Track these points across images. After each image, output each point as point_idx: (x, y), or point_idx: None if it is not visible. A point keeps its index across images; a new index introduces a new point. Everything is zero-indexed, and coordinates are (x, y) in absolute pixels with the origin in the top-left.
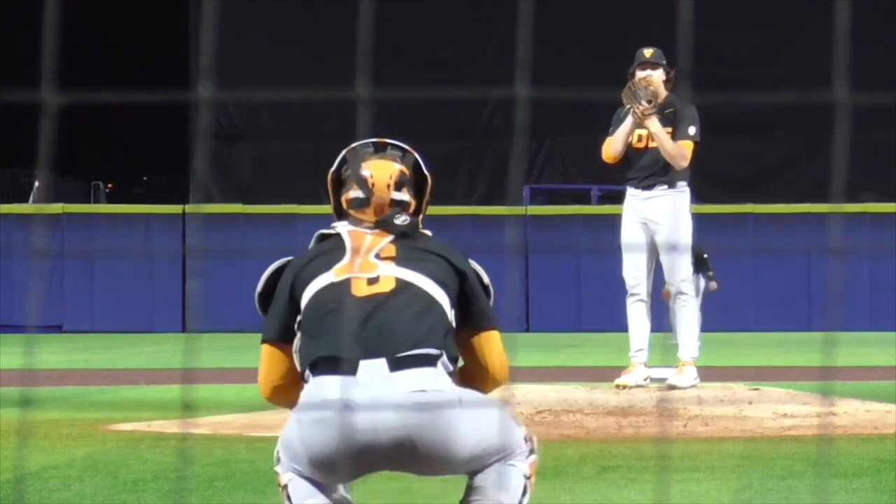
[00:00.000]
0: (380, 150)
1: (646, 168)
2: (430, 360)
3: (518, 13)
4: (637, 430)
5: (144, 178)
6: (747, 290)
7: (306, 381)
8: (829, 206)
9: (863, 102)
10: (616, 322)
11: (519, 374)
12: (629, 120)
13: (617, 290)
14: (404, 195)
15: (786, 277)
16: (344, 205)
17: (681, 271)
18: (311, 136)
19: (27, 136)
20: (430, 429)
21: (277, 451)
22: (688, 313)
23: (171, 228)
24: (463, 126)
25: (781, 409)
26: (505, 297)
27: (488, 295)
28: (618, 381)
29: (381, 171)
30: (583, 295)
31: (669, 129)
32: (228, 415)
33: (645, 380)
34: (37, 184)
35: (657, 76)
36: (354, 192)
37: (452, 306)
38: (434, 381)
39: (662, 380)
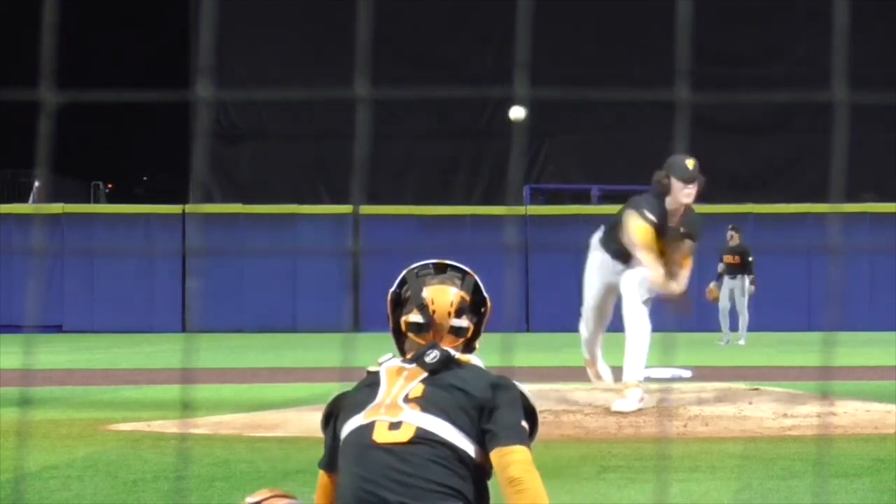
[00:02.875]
0: (440, 272)
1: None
2: None
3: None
4: (637, 430)
5: (144, 178)
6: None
7: None
8: (828, 206)
9: (862, 102)
10: (616, 322)
11: (519, 374)
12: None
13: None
14: (463, 322)
15: (786, 277)
16: (403, 327)
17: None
18: (311, 136)
19: (27, 136)
20: None
21: None
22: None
23: (171, 228)
24: (463, 126)
25: (781, 409)
26: (505, 297)
27: (532, 419)
28: (615, 407)
29: (442, 297)
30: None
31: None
32: (228, 415)
33: (640, 400)
34: (37, 184)
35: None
36: (414, 317)
37: (477, 441)
38: None
39: (667, 379)
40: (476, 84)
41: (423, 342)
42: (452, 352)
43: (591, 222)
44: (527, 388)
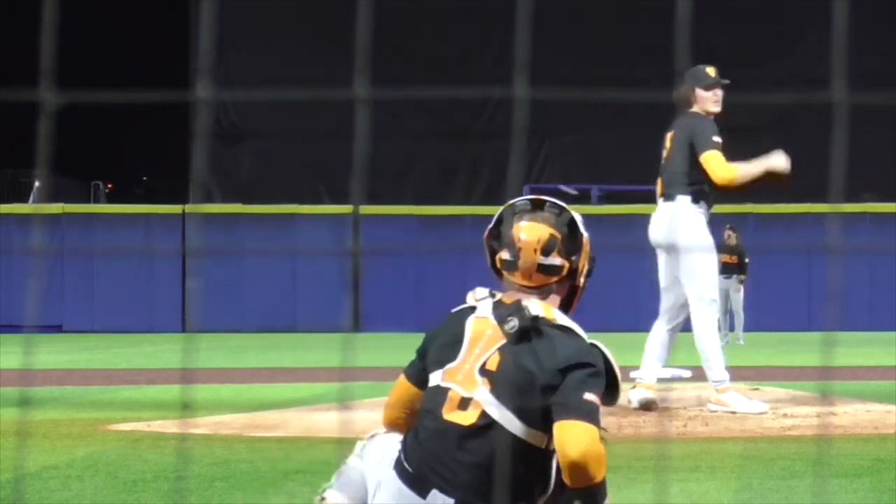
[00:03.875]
0: (536, 208)
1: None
2: None
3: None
4: (637, 430)
5: (144, 178)
6: (748, 290)
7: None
8: (828, 206)
9: (862, 102)
10: (616, 322)
11: None
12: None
13: (617, 290)
14: (554, 259)
15: (786, 277)
16: (498, 264)
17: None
18: (311, 136)
19: (27, 136)
20: None
21: (361, 452)
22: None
23: (171, 228)
24: (463, 126)
25: (781, 409)
26: None
27: (615, 384)
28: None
29: (531, 234)
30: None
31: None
32: (228, 415)
33: (641, 400)
34: (37, 184)
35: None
36: (505, 254)
37: (543, 428)
38: None
39: (668, 379)
40: (476, 84)
41: (514, 279)
42: (535, 312)
43: (591, 222)
44: (607, 350)
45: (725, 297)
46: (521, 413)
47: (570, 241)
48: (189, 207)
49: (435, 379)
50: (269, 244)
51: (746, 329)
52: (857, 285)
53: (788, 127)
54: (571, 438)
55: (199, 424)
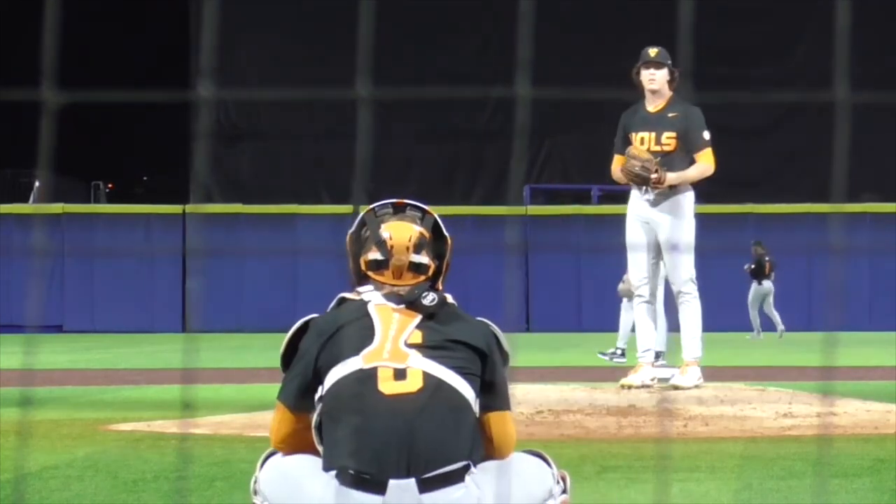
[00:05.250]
0: (398, 211)
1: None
2: (458, 476)
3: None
4: (637, 430)
5: (144, 178)
6: (748, 290)
7: (327, 475)
8: (829, 206)
9: (863, 102)
10: (616, 321)
11: (519, 374)
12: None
13: (616, 290)
14: (423, 257)
15: (786, 277)
16: (363, 266)
17: (682, 271)
18: (311, 136)
19: (27, 136)
20: None
21: (256, 486)
22: (691, 313)
23: (171, 228)
24: (463, 126)
25: (782, 409)
26: (505, 297)
27: (505, 362)
28: (623, 380)
29: (401, 234)
30: (583, 295)
31: (673, 134)
32: (228, 415)
33: (652, 380)
34: (37, 184)
35: (661, 76)
36: (373, 254)
37: (477, 395)
38: (464, 498)
39: (666, 379)
40: (476, 84)
41: (383, 279)
42: (445, 294)
43: (591, 222)
44: (498, 330)
45: (761, 300)
46: (460, 371)
47: (435, 242)
48: (189, 207)
49: (349, 367)
50: (269, 244)
51: (749, 328)
52: (858, 285)
53: (788, 127)
54: (507, 430)
55: (200, 424)
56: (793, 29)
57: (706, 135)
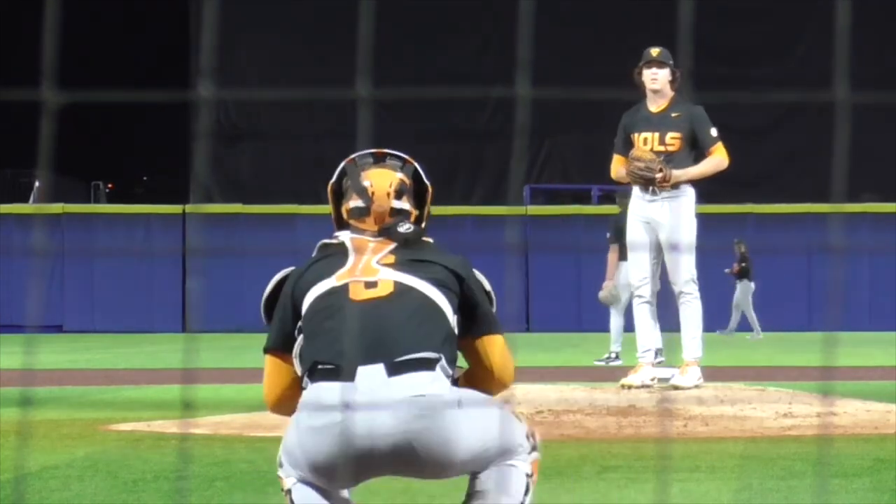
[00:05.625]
0: (379, 160)
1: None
2: (428, 364)
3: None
4: (637, 430)
5: (144, 178)
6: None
7: (304, 388)
8: (829, 206)
9: (863, 102)
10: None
11: (519, 374)
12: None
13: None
14: (404, 203)
15: (786, 277)
16: (344, 215)
17: (683, 271)
18: (311, 136)
19: (27, 136)
20: (429, 433)
21: (280, 457)
22: (691, 313)
23: (171, 228)
24: (463, 126)
25: (782, 409)
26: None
27: (490, 302)
28: (624, 380)
29: (381, 180)
30: (583, 295)
31: (678, 134)
32: (228, 415)
33: (652, 380)
34: (37, 184)
35: (663, 76)
36: (354, 202)
37: (455, 311)
38: (432, 384)
39: (667, 379)
40: (476, 84)
41: (364, 226)
42: (423, 228)
43: (591, 222)
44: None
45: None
46: (433, 282)
47: (416, 190)
48: (189, 207)
49: (322, 288)
50: (269, 244)
51: (749, 328)
52: (858, 285)
53: (788, 127)
54: (503, 353)
55: (200, 424)
56: (793, 29)
57: (714, 131)
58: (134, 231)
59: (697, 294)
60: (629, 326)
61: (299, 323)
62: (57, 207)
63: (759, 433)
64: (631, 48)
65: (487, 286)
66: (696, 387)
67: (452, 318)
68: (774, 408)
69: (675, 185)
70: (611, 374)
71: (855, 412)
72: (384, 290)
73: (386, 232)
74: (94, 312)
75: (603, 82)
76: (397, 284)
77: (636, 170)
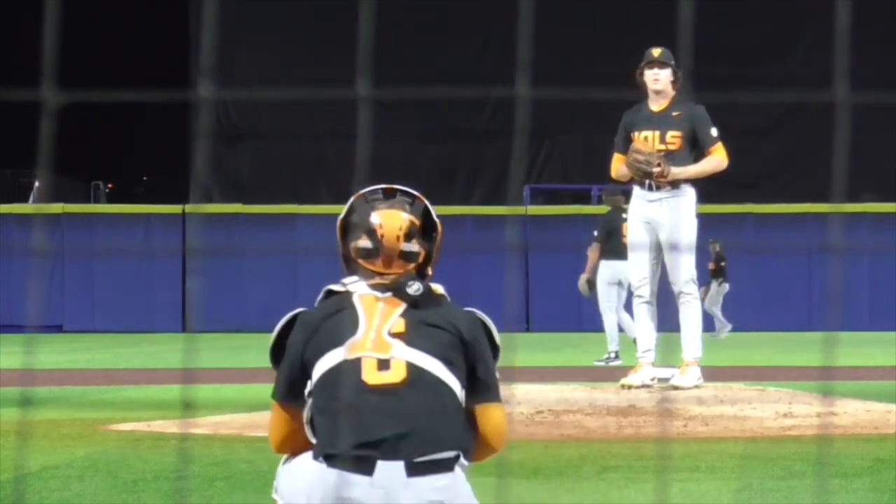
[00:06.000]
0: (388, 197)
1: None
2: (447, 465)
3: (518, 13)
4: (637, 430)
5: (144, 178)
6: (748, 290)
7: (315, 459)
8: (829, 206)
9: (863, 102)
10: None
11: (519, 374)
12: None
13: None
14: (413, 246)
15: (786, 277)
16: (353, 253)
17: (683, 271)
18: (311, 136)
19: (27, 136)
20: None
21: (278, 485)
22: (691, 313)
23: (171, 228)
24: (463, 126)
25: (782, 409)
26: (505, 297)
27: (496, 355)
28: (624, 380)
29: (391, 222)
30: (582, 295)
31: (678, 133)
32: (228, 415)
33: (652, 380)
34: (37, 184)
35: (664, 76)
36: (363, 242)
37: (463, 386)
38: (452, 488)
39: (667, 379)
40: (476, 84)
41: (373, 268)
42: (433, 285)
43: (591, 222)
44: (487, 319)
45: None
46: (443, 360)
47: (425, 229)
48: (189, 207)
49: (334, 358)
50: (269, 244)
51: (749, 328)
52: (858, 285)
53: (788, 127)
54: (499, 424)
55: (200, 424)
56: (793, 29)
57: (714, 131)
58: (134, 231)
59: (697, 294)
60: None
61: (310, 387)
62: (57, 207)
63: (759, 433)
64: (631, 48)
65: (497, 338)
66: (696, 387)
67: (462, 396)
68: (774, 408)
69: (675, 184)
70: (611, 374)
71: (855, 412)
72: (398, 374)
73: (395, 291)
74: (94, 312)
75: (603, 82)
76: (410, 368)
77: (635, 161)
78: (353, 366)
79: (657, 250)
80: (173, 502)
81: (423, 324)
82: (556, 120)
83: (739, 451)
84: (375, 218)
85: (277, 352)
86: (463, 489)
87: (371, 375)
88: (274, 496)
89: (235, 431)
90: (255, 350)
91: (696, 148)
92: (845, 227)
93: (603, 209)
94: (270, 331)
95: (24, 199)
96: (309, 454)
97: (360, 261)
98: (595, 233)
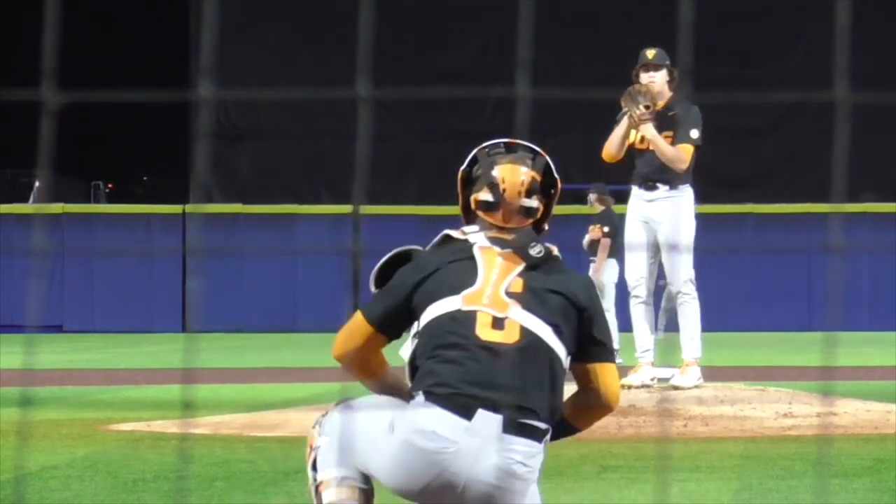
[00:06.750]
0: (511, 150)
1: (648, 169)
2: (539, 434)
3: (518, 13)
4: (637, 430)
5: (144, 178)
6: (747, 290)
7: (414, 398)
8: (829, 206)
9: (863, 102)
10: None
11: None
12: (625, 122)
13: (616, 290)
14: (534, 202)
15: (786, 277)
16: (473, 205)
17: (681, 271)
18: (311, 136)
19: (27, 136)
20: (508, 498)
21: (324, 421)
22: (689, 313)
23: (171, 228)
24: (463, 126)
25: (782, 409)
26: None
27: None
28: (623, 380)
29: (513, 176)
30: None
31: (670, 133)
32: (228, 415)
33: (651, 380)
34: (37, 184)
35: (660, 77)
36: (485, 195)
37: (569, 352)
38: (535, 458)
39: (667, 379)
40: (476, 84)
41: (492, 220)
42: (551, 247)
43: (591, 222)
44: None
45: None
46: (555, 328)
47: (545, 185)
48: (189, 207)
49: (448, 305)
50: (269, 244)
51: (749, 329)
52: (858, 285)
53: (788, 127)
54: (613, 381)
55: (200, 424)
56: (793, 29)
57: (694, 133)
58: (134, 231)
59: (695, 294)
60: (624, 326)
61: (416, 327)
62: (57, 207)
63: (759, 433)
64: (631, 48)
65: (602, 308)
66: (696, 387)
67: (567, 363)
68: (774, 408)
69: (673, 185)
70: None
71: (855, 412)
72: (511, 335)
73: (518, 249)
74: (94, 312)
75: (603, 82)
76: (523, 332)
77: (630, 90)
78: (467, 316)
79: (654, 250)
80: (173, 502)
81: (540, 287)
82: (556, 120)
83: (739, 451)
84: (498, 172)
85: (382, 278)
86: (538, 467)
87: (485, 331)
88: (313, 430)
89: (235, 431)
90: (255, 350)
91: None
92: (845, 227)
93: (594, 209)
94: (270, 331)
95: (24, 199)
96: (382, 400)
97: (481, 213)
98: (606, 229)
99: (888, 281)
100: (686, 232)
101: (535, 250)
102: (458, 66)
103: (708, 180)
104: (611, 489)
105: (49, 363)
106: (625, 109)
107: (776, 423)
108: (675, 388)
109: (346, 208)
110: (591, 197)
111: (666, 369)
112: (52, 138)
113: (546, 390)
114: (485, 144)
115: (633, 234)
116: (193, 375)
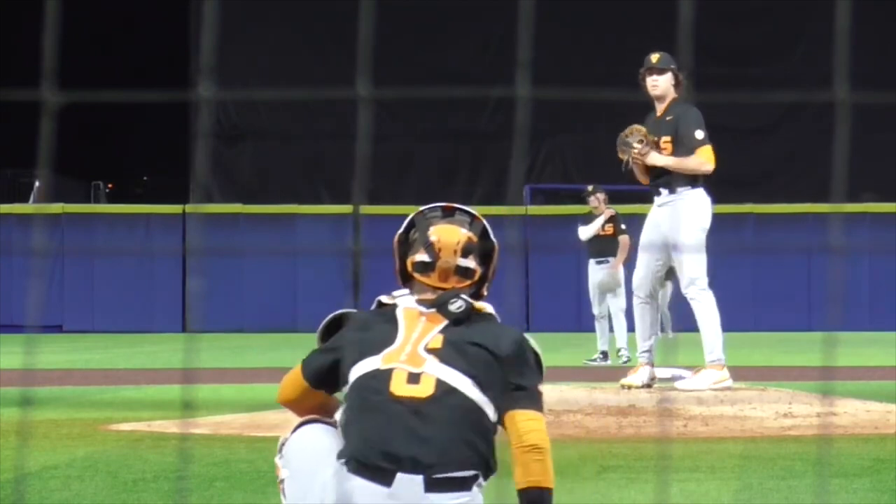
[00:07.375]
0: (447, 214)
1: (654, 174)
2: (466, 485)
3: (518, 13)
4: (637, 430)
5: (144, 178)
6: (747, 290)
7: (338, 466)
8: (829, 206)
9: (863, 102)
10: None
11: None
12: (633, 165)
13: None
14: (470, 262)
15: (786, 277)
16: (409, 267)
17: (688, 272)
18: (311, 136)
19: (27, 136)
20: None
21: (282, 450)
22: (698, 315)
23: (171, 228)
24: (463, 126)
25: (782, 409)
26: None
27: (540, 372)
28: (624, 380)
29: (448, 237)
30: (583, 295)
31: (668, 138)
32: (228, 415)
33: (651, 380)
34: (37, 184)
35: (664, 81)
36: (420, 256)
37: (497, 407)
38: None
39: (667, 379)
40: (476, 84)
41: (428, 282)
42: (471, 301)
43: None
44: (532, 339)
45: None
46: (475, 379)
47: (482, 248)
48: (189, 207)
49: (368, 366)
50: (269, 244)
51: (749, 329)
52: (858, 285)
53: (788, 127)
54: (533, 426)
55: (200, 424)
56: (793, 29)
57: (699, 134)
58: (134, 231)
59: (702, 296)
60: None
61: (344, 389)
62: (57, 207)
63: (759, 433)
64: (631, 49)
65: (542, 361)
66: (712, 389)
67: (493, 417)
68: (774, 408)
69: (672, 188)
70: (611, 374)
71: (855, 412)
72: (425, 389)
73: (439, 307)
74: (94, 312)
75: (603, 82)
76: (438, 384)
77: (622, 135)
78: (384, 375)
79: (659, 252)
80: (173, 502)
81: (461, 341)
82: (556, 120)
83: (739, 451)
84: (433, 233)
85: (325, 336)
86: None
87: (399, 387)
88: (277, 460)
89: (235, 431)
90: (255, 350)
91: (683, 147)
92: (845, 227)
93: (598, 210)
94: (270, 331)
95: (24, 199)
96: (329, 440)
97: (417, 275)
98: (623, 226)
99: (888, 281)
100: (686, 233)
101: (455, 305)
102: (458, 66)
103: (708, 180)
104: (611, 489)
105: (49, 363)
106: (625, 158)
107: (776, 423)
108: (680, 390)
109: (346, 208)
110: (600, 196)
111: (666, 369)
112: (51, 138)
113: (467, 437)
114: (422, 209)
115: (644, 235)
116: (193, 375)
